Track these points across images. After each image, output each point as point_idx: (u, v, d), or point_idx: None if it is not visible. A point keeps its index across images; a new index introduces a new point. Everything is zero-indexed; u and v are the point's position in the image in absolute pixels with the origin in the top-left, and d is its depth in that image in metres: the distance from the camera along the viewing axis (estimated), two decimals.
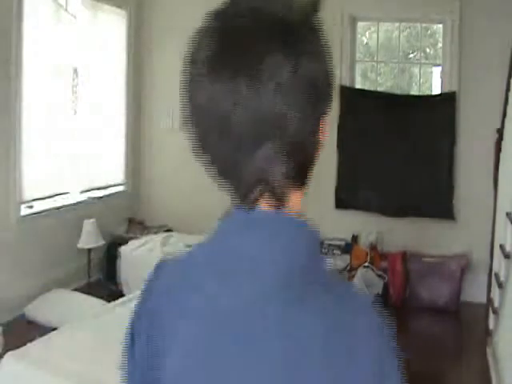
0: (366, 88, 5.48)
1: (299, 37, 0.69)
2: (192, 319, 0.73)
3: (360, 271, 4.71)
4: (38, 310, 4.14)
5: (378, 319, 0.75)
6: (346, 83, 5.20)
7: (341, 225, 5.13)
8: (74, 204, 4.93)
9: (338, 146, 5.21)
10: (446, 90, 4.93)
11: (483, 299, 4.23)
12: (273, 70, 0.67)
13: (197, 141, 0.74)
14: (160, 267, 0.82)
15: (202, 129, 0.73)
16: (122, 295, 4.12)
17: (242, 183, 0.71)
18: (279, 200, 0.72)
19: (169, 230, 5.50)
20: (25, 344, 2.78)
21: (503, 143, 3.83)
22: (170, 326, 0.76)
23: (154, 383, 0.76)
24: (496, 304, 3.35)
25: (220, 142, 0.71)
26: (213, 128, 0.71)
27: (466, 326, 4.31)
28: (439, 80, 5.19)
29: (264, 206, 0.72)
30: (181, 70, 0.74)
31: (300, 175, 0.74)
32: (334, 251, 5.06)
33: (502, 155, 3.83)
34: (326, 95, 0.73)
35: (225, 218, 0.76)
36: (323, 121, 0.74)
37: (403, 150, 5.01)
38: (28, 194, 4.39)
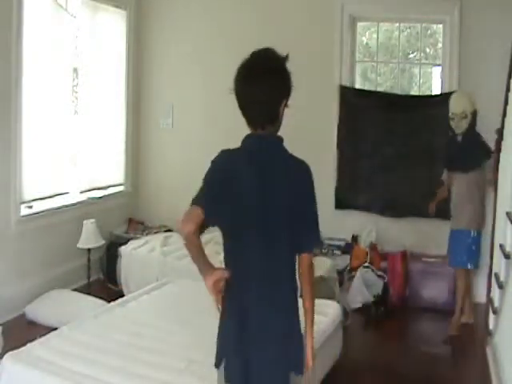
0: (366, 88, 5.48)
1: (279, 73, 1.81)
2: (245, 165, 1.81)
3: (360, 271, 4.71)
4: (38, 310, 4.14)
5: (309, 171, 1.85)
6: (346, 83, 5.21)
7: (341, 225, 5.13)
8: (74, 204, 4.93)
9: (338, 147, 5.21)
10: (446, 90, 4.92)
11: (483, 299, 4.23)
12: (267, 83, 1.78)
13: (240, 105, 1.81)
14: (221, 154, 1.85)
15: (241, 99, 1.81)
16: (121, 295, 4.13)
17: (253, 120, 1.83)
18: (264, 129, 1.83)
19: (169, 230, 5.50)
20: (25, 344, 2.78)
21: (503, 143, 3.83)
22: (235, 169, 1.81)
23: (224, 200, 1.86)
24: (496, 304, 3.35)
25: (247, 105, 1.81)
26: (244, 99, 1.81)
27: (466, 326, 4.30)
28: (439, 80, 5.18)
29: (260, 131, 1.83)
30: (235, 77, 1.80)
31: (273, 121, 1.83)
32: (334, 251, 5.06)
33: (502, 155, 3.83)
34: (285, 95, 1.83)
35: (247, 136, 1.84)
36: (282, 104, 1.83)
37: (403, 150, 5.01)
38: (28, 194, 4.39)
